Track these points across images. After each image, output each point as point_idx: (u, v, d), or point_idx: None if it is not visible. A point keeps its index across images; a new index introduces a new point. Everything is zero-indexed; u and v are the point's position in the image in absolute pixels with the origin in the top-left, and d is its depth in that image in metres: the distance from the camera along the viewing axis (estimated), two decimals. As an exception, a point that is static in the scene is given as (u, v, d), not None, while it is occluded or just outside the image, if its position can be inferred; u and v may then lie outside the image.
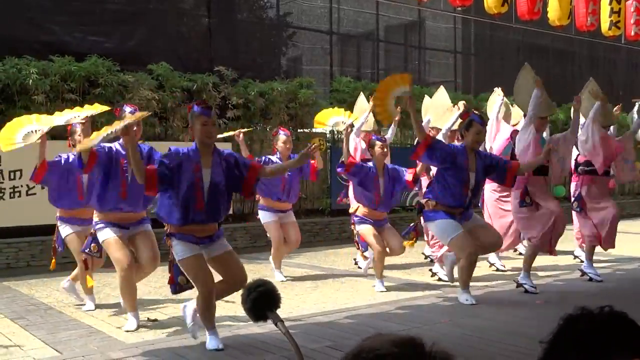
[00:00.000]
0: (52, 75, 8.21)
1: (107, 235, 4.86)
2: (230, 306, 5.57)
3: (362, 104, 8.08)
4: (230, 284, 4.29)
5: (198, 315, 4.28)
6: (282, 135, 7.00)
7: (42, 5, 9.02)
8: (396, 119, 7.41)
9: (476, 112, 6.06)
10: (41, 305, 5.92)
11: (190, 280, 4.22)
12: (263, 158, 6.85)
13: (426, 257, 8.11)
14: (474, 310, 5.20)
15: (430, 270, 6.98)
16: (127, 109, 4.90)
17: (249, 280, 1.97)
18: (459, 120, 7.16)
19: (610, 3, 10.11)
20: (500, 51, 15.51)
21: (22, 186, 7.92)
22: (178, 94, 9.24)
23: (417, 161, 5.88)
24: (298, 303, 5.86)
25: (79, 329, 4.94)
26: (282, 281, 6.93)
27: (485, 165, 5.56)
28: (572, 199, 6.95)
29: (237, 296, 5.33)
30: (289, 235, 7.06)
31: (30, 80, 7.94)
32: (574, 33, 12.64)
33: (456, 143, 6.20)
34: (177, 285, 4.33)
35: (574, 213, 7.05)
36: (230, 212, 9.48)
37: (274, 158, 6.87)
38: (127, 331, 4.81)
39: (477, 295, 5.66)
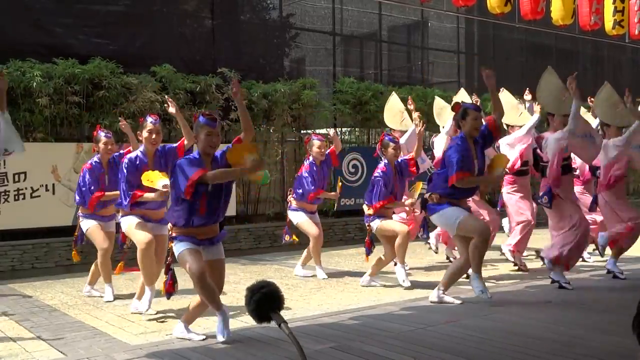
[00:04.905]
0: (55, 77, 8.22)
1: (130, 221, 5.30)
2: (233, 306, 5.57)
3: (395, 103, 8.08)
4: None
5: (187, 323, 4.55)
6: (316, 141, 7.36)
7: (45, 8, 9.04)
8: (416, 123, 7.42)
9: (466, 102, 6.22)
10: (46, 307, 5.94)
11: (186, 272, 4.37)
12: (306, 169, 7.29)
13: (447, 257, 8.05)
14: (477, 311, 5.19)
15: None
16: (149, 118, 5.34)
17: (253, 282, 1.97)
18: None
19: (614, 2, 10.09)
20: (504, 51, 15.48)
21: (26, 188, 7.95)
22: (181, 96, 9.24)
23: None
24: (302, 304, 5.86)
25: (84, 331, 4.96)
26: (325, 279, 7.15)
27: (481, 145, 5.50)
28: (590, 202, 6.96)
29: (240, 297, 5.33)
30: None
31: (34, 83, 7.96)
32: (577, 32, 12.58)
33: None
34: (173, 293, 4.67)
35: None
36: (234, 213, 9.56)
37: (308, 162, 7.34)
38: (141, 313, 5.29)
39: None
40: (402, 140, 7.30)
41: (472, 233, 5.39)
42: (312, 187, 7.22)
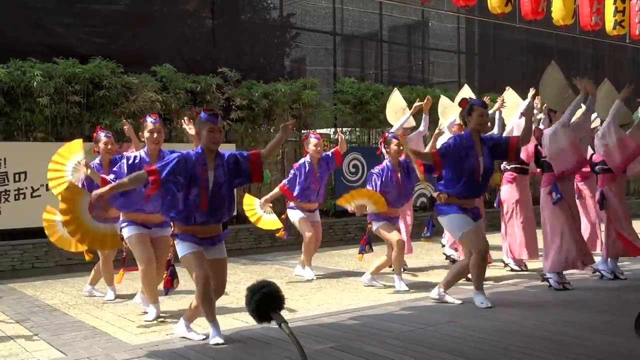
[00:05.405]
0: (56, 77, 8.23)
1: (130, 233, 5.22)
2: (234, 306, 5.58)
3: (397, 100, 8.10)
4: None
5: (188, 322, 4.54)
6: (313, 139, 7.30)
7: (46, 7, 9.04)
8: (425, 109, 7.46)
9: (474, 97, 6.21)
10: (46, 306, 5.95)
11: (190, 275, 4.36)
12: (296, 166, 7.31)
13: (447, 257, 7.91)
14: (477, 311, 5.18)
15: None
16: (149, 119, 5.27)
17: (253, 281, 1.97)
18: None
19: (615, 2, 10.09)
20: (504, 51, 15.48)
21: (26, 188, 7.95)
22: (182, 96, 9.25)
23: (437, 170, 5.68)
24: (302, 304, 5.85)
25: (84, 331, 4.96)
26: (311, 280, 7.10)
27: (490, 147, 5.47)
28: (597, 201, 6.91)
29: (240, 297, 5.33)
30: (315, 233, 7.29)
31: (35, 83, 7.97)
32: (578, 32, 12.58)
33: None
34: (171, 288, 4.61)
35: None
36: (234, 213, 9.54)
37: (302, 161, 7.30)
38: (147, 321, 5.17)
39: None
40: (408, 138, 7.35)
41: (471, 248, 5.41)
42: (292, 185, 7.19)
